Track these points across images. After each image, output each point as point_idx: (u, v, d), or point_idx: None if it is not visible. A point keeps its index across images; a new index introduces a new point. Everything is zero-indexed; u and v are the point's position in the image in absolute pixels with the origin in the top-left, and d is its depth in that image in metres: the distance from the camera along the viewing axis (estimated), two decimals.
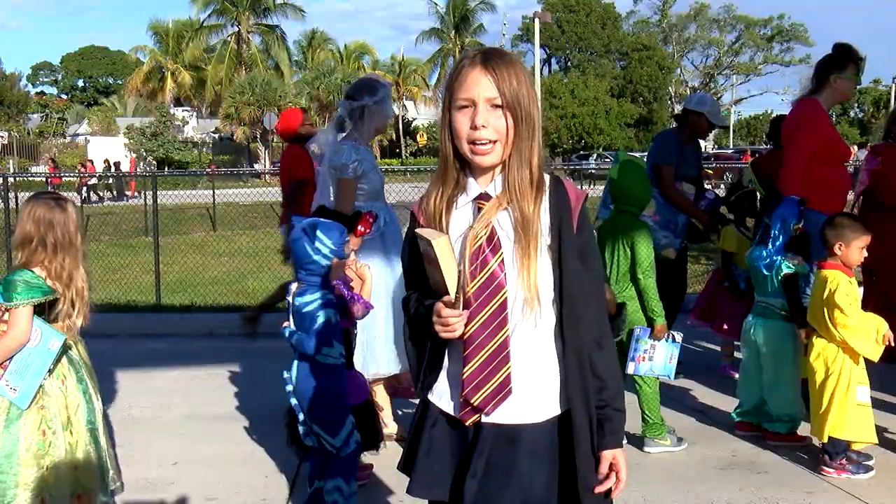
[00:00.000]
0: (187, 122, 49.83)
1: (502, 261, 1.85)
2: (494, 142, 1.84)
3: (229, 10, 50.11)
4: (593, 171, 21.54)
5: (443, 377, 1.96)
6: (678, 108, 54.31)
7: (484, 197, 1.89)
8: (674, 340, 4.24)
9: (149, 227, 9.74)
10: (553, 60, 56.31)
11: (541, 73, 38.41)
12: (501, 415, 1.88)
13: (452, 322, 1.82)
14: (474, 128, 1.83)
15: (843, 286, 3.84)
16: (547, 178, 1.91)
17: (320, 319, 3.11)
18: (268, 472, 4.02)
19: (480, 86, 1.82)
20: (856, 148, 27.43)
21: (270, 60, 52.12)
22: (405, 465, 2.01)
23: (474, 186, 1.90)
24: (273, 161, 40.76)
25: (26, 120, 57.44)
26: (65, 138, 51.17)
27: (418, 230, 1.88)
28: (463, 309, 1.83)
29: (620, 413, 1.92)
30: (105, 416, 3.33)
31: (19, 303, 2.89)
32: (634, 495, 3.66)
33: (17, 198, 10.86)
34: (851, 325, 3.82)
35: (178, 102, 53.09)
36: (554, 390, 1.90)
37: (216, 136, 50.01)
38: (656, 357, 4.18)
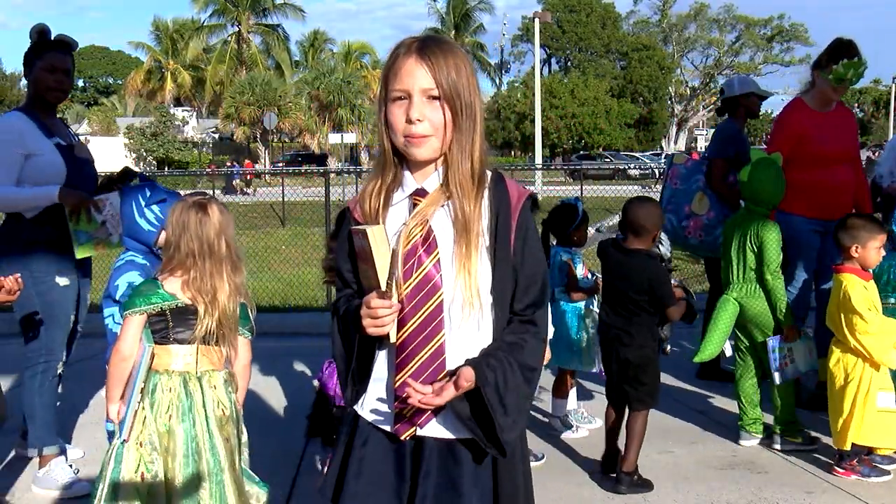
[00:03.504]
0: (187, 122, 49.88)
1: (438, 261, 1.71)
2: (429, 136, 1.70)
3: (229, 10, 50.19)
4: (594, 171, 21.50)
5: (375, 389, 1.80)
6: (678, 109, 54.57)
7: (420, 193, 1.76)
8: (806, 336, 4.21)
9: None
10: (553, 60, 56.32)
11: (541, 73, 38.36)
12: (439, 428, 1.74)
13: (382, 314, 1.64)
14: (409, 121, 1.69)
15: (858, 290, 3.72)
16: (489, 173, 1.78)
17: None
18: (268, 471, 4.01)
19: (415, 76, 1.69)
20: None
21: (270, 60, 52.17)
22: (333, 491, 1.82)
23: (411, 181, 1.77)
24: (273, 161, 40.78)
25: None
26: None
27: (353, 227, 1.76)
28: (397, 313, 1.68)
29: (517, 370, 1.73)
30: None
31: (124, 314, 2.64)
32: (635, 496, 3.66)
33: None
34: (872, 331, 3.68)
35: (177, 102, 53.18)
36: None
37: (216, 136, 50.05)
38: (797, 357, 4.15)
